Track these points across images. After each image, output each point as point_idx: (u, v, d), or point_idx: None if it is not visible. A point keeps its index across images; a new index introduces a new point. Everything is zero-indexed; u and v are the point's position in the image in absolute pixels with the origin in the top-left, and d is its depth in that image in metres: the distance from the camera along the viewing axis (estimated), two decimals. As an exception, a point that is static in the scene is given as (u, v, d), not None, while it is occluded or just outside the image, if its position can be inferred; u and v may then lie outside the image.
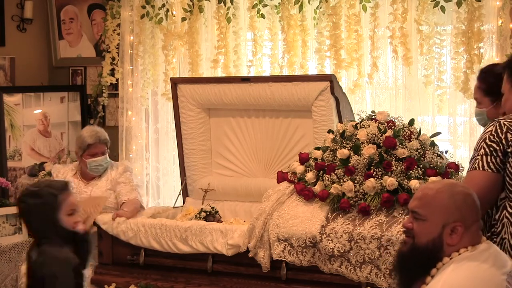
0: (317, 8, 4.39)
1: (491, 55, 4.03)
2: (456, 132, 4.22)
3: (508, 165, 2.58)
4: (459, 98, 4.19)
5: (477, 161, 2.62)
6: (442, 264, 2.12)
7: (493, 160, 2.59)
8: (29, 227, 2.81)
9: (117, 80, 5.09)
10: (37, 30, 5.45)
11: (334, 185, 3.58)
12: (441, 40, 4.17)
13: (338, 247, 3.36)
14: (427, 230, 2.16)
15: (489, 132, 2.63)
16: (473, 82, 4.03)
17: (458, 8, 4.03)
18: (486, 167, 2.60)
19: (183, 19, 4.79)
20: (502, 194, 2.61)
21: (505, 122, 2.62)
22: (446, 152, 3.72)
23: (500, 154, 2.58)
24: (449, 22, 4.18)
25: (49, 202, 2.70)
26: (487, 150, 2.60)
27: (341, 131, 3.74)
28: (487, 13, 3.99)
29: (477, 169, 2.61)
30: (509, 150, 2.57)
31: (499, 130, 2.60)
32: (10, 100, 5.07)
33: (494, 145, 2.60)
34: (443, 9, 4.07)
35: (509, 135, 2.58)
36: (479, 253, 2.12)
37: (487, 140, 2.61)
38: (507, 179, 2.60)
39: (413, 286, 2.20)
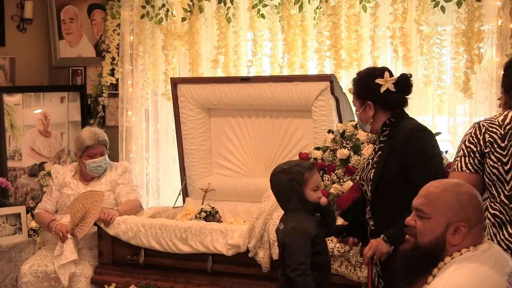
0: (317, 8, 4.38)
1: (491, 55, 4.03)
2: (456, 132, 4.22)
3: (486, 166, 2.62)
4: (459, 98, 4.19)
5: (456, 162, 2.68)
6: (443, 263, 2.12)
7: (471, 161, 2.64)
8: (279, 199, 3.12)
9: (117, 80, 5.08)
10: (37, 30, 5.44)
11: (334, 185, 3.58)
12: (441, 40, 4.16)
13: (338, 247, 3.36)
14: (431, 229, 2.15)
15: (469, 134, 2.68)
16: (473, 82, 4.05)
17: (458, 8, 4.02)
18: (464, 168, 2.65)
19: (183, 19, 4.78)
20: (484, 195, 2.65)
21: (484, 124, 2.66)
22: (446, 152, 3.72)
23: (478, 155, 2.63)
24: (449, 22, 4.18)
25: (297, 178, 2.99)
26: (465, 151, 2.65)
27: (341, 131, 3.75)
28: (487, 13, 3.98)
29: (456, 170, 2.67)
30: (486, 150, 2.61)
31: (478, 132, 2.65)
32: (10, 100, 5.07)
33: (472, 146, 2.64)
34: (443, 9, 4.06)
35: (486, 136, 2.62)
36: (481, 253, 2.11)
37: (466, 142, 2.67)
38: (486, 180, 2.64)
39: (415, 285, 2.20)
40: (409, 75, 3.00)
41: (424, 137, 2.87)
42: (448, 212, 2.13)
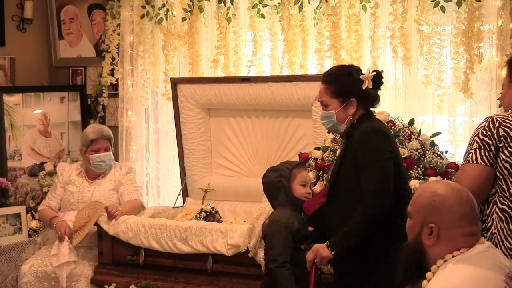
0: (317, 8, 4.38)
1: (491, 55, 4.03)
2: (456, 132, 4.22)
3: (499, 160, 2.62)
4: (459, 98, 4.19)
5: (471, 154, 2.66)
6: (437, 267, 2.12)
7: (486, 154, 2.63)
8: (268, 197, 3.24)
9: (117, 80, 5.08)
10: (37, 30, 5.44)
11: (334, 185, 3.57)
12: (441, 40, 4.16)
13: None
14: (411, 228, 2.22)
15: (482, 127, 2.67)
16: (473, 82, 4.05)
17: (458, 8, 4.02)
18: (479, 160, 2.64)
19: (183, 19, 4.78)
20: (493, 189, 2.66)
21: (498, 118, 2.66)
22: (446, 152, 3.72)
23: (493, 148, 2.63)
24: (449, 22, 4.18)
25: (284, 174, 3.15)
26: (480, 144, 2.64)
27: (341, 131, 3.74)
28: (487, 13, 3.98)
29: (471, 162, 2.65)
30: (500, 145, 2.62)
31: (491, 126, 2.64)
32: (10, 100, 5.07)
33: (486, 139, 2.64)
34: (443, 9, 4.06)
35: (500, 130, 2.62)
36: (476, 254, 2.11)
37: (480, 135, 2.66)
38: (498, 174, 2.64)
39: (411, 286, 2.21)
40: (381, 71, 2.98)
41: (375, 140, 2.80)
42: (421, 211, 2.17)
